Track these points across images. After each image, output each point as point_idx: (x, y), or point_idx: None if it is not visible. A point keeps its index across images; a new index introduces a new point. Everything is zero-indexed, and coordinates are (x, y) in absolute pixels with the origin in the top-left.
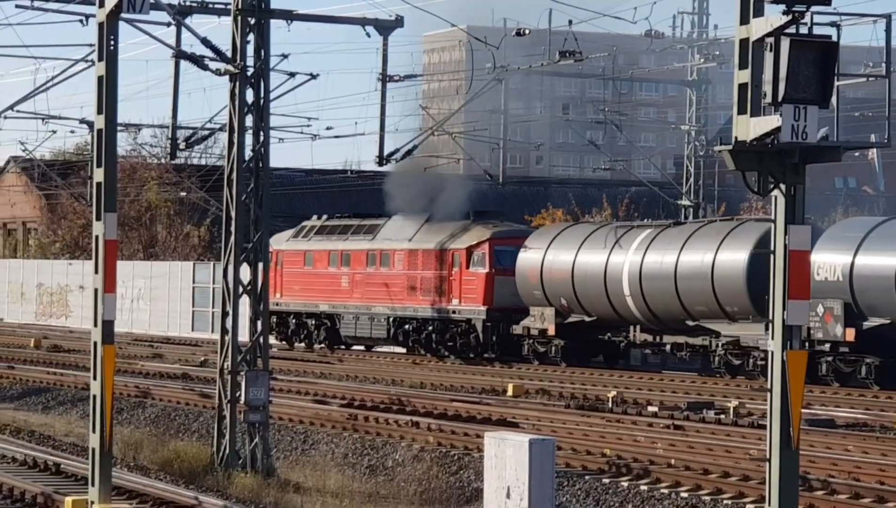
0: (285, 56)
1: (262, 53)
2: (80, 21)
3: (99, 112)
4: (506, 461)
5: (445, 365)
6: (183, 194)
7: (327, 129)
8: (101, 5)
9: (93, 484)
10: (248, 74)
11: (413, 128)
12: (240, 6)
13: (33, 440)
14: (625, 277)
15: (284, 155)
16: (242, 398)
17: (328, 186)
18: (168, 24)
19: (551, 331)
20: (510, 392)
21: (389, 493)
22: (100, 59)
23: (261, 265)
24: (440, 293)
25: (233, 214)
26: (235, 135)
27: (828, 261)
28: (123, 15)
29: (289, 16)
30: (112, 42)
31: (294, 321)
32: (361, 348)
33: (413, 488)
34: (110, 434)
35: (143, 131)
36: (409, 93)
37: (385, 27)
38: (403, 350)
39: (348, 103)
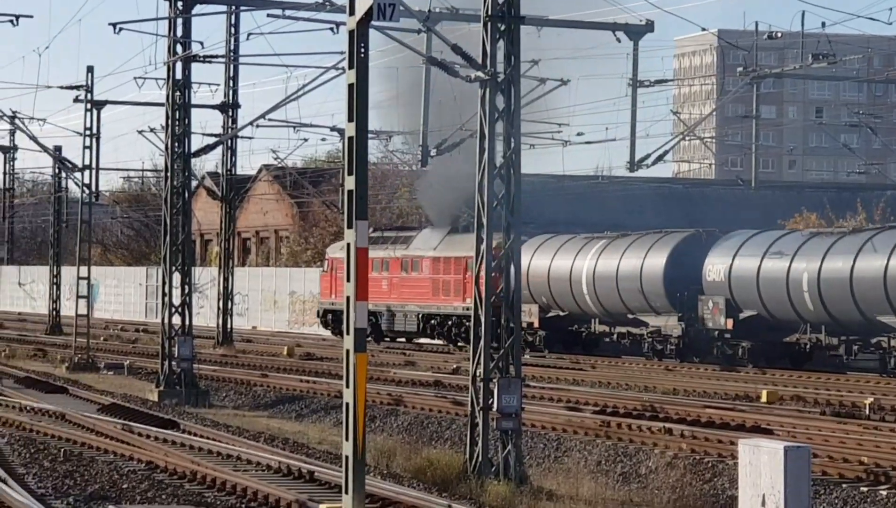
0: (535, 62)
1: (513, 59)
2: (331, 29)
3: (350, 120)
4: (760, 468)
5: (699, 371)
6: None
7: (578, 134)
8: (352, 13)
9: (346, 492)
10: (499, 80)
11: (664, 133)
12: (489, 12)
13: (287, 448)
14: (584, 279)
15: (535, 161)
16: (495, 405)
17: (579, 193)
18: (418, 32)
19: (536, 324)
20: (764, 399)
21: (643, 501)
22: (350, 67)
23: (513, 271)
24: (457, 294)
25: (484, 220)
26: (486, 141)
27: (715, 265)
28: (374, 22)
29: (539, 22)
30: (363, 49)
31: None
32: (403, 340)
33: (666, 496)
34: (363, 442)
35: (394, 138)
36: (659, 98)
37: (636, 32)
38: (441, 342)
39: (599, 109)
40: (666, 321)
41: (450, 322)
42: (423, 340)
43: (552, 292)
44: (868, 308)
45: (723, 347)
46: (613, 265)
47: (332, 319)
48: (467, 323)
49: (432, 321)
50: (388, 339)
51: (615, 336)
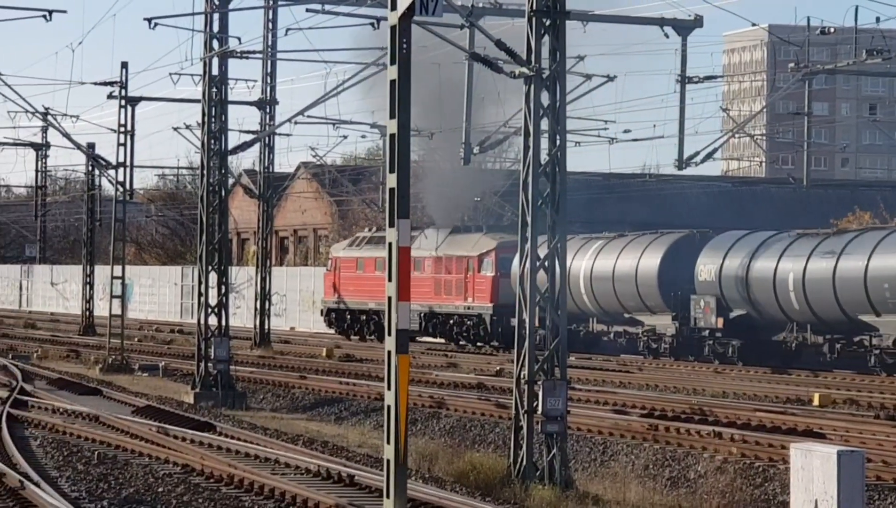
0: (581, 58)
1: (558, 55)
2: (372, 24)
3: (392, 116)
4: (813, 473)
5: (749, 374)
6: (476, 199)
7: (625, 132)
8: (394, 8)
9: (388, 496)
10: (544, 76)
11: (713, 130)
12: (534, 7)
13: (326, 451)
14: (581, 279)
15: (581, 159)
16: (540, 408)
17: (626, 191)
18: (461, 27)
19: (536, 323)
20: (816, 402)
21: (692, 506)
22: (392, 63)
23: (558, 271)
24: (458, 293)
25: (529, 219)
26: (531, 139)
27: (706, 266)
28: (416, 17)
29: (585, 17)
30: (405, 45)
31: (349, 316)
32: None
33: (716, 501)
34: (405, 446)
35: (436, 136)
36: (708, 94)
37: (684, 27)
38: (442, 341)
39: (646, 106)
40: (660, 321)
41: (451, 321)
42: (424, 338)
43: None
44: (850, 308)
45: (714, 345)
46: (610, 266)
47: (335, 317)
48: (468, 322)
49: (434, 320)
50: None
51: (612, 335)
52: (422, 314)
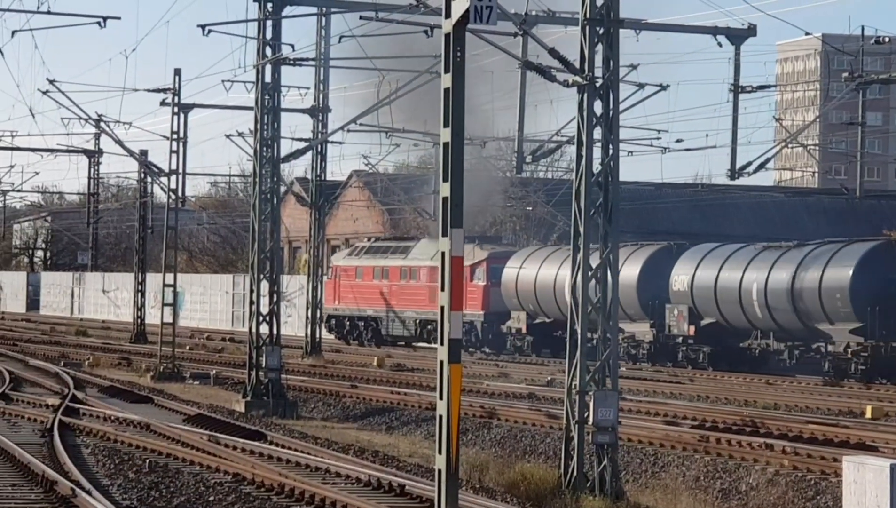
0: (634, 67)
1: (612, 64)
2: (425, 32)
3: (445, 125)
4: (866, 486)
5: (800, 386)
6: (529, 208)
7: (677, 141)
8: (448, 16)
9: (439, 506)
10: (597, 85)
11: (766, 140)
12: (588, 15)
13: (377, 461)
14: (566, 287)
15: (633, 168)
16: (591, 418)
17: (678, 201)
18: (514, 35)
19: (524, 330)
20: (868, 415)
21: None
22: (446, 71)
23: (610, 281)
24: None
25: (581, 229)
26: (584, 148)
27: (680, 276)
28: (470, 25)
29: (638, 25)
30: (459, 53)
31: (348, 323)
32: (402, 344)
33: None
34: (457, 456)
35: (488, 144)
36: (761, 104)
37: (737, 36)
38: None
39: (699, 115)
40: (639, 328)
41: None
42: (420, 344)
43: (538, 300)
44: (807, 317)
45: (686, 352)
46: None
47: (335, 324)
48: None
49: (429, 327)
50: (388, 343)
51: (595, 341)
52: (417, 321)
